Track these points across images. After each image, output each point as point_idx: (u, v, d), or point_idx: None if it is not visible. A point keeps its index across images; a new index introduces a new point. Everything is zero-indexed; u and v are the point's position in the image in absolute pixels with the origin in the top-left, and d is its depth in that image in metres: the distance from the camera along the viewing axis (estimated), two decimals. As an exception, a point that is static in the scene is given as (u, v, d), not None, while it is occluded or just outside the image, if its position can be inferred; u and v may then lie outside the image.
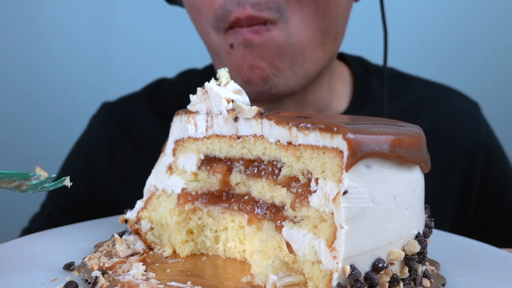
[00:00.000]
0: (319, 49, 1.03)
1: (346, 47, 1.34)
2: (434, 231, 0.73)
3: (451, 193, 1.23)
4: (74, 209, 1.29)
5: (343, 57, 1.32)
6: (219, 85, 0.78)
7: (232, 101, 0.73)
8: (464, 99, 1.32)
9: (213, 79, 0.79)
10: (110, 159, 1.30)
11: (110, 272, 0.68)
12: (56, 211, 1.30)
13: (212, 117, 0.78)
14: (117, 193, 1.27)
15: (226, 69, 0.80)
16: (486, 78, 2.11)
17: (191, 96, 0.80)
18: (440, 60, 2.12)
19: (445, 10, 2.11)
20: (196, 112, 0.80)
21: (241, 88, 0.78)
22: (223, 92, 0.76)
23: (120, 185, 1.28)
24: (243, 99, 0.77)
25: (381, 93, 1.22)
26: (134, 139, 1.31)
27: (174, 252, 0.80)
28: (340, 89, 1.25)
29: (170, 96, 1.32)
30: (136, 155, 1.29)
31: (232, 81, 0.79)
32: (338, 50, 1.13)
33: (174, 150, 0.84)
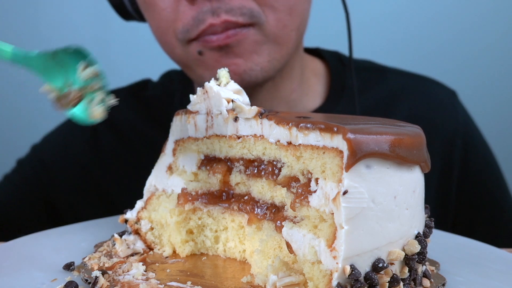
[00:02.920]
0: (294, 42, 1.07)
1: (320, 43, 1.33)
2: (434, 231, 0.73)
3: (431, 182, 1.22)
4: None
5: (318, 53, 1.32)
6: (219, 85, 0.78)
7: (232, 101, 0.73)
8: (441, 88, 1.32)
9: (213, 79, 0.79)
10: (95, 149, 1.30)
11: (110, 272, 0.68)
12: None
13: (212, 117, 0.78)
14: (102, 182, 1.26)
15: (226, 69, 0.80)
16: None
17: (191, 96, 0.80)
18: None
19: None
20: (196, 112, 0.80)
21: (241, 88, 0.78)
22: (223, 92, 0.76)
23: (105, 173, 1.27)
24: (243, 99, 0.77)
25: (357, 85, 1.22)
26: (117, 129, 1.30)
27: (174, 252, 0.80)
28: (313, 84, 1.25)
29: (152, 95, 1.33)
30: (120, 146, 1.29)
31: (232, 81, 0.79)
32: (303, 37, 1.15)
33: (174, 150, 0.84)
